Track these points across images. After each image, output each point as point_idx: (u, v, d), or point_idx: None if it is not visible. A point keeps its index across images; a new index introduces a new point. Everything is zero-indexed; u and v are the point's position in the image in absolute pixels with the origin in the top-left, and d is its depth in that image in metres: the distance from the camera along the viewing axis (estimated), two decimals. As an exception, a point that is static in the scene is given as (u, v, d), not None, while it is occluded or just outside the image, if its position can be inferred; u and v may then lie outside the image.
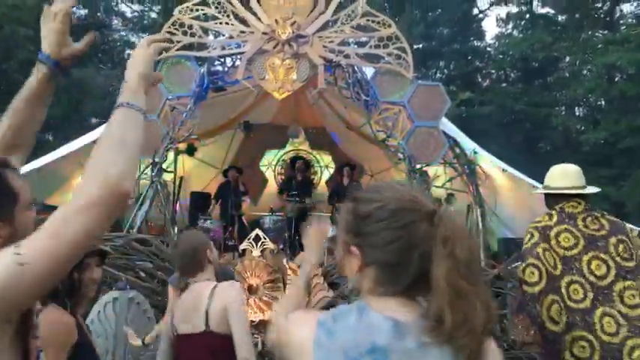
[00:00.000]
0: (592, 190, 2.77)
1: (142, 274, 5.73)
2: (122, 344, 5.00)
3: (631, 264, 2.54)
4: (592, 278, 2.51)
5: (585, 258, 2.54)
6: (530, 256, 2.58)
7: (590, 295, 2.48)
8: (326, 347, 1.06)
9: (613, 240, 2.58)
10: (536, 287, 2.51)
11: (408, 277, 1.09)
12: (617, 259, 2.53)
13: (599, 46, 17.27)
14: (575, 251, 2.57)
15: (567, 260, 2.56)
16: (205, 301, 2.42)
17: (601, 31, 19.31)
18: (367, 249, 1.13)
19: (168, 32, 7.31)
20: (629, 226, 2.81)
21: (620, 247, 2.55)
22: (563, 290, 2.50)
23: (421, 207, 1.12)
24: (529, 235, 2.66)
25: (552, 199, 2.78)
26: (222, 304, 2.41)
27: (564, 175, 2.79)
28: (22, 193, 1.18)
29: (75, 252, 1.08)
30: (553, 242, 2.58)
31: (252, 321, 5.19)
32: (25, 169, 7.81)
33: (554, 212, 2.69)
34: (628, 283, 2.49)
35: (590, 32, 19.05)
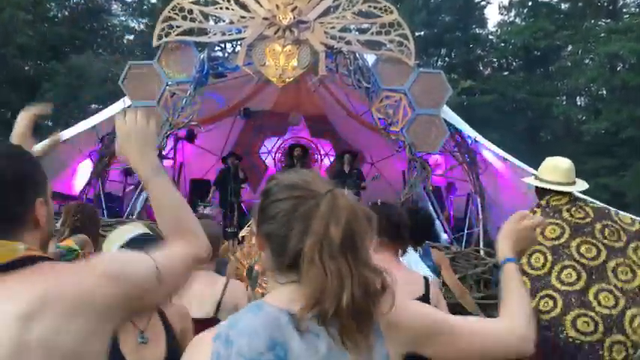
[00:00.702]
0: (579, 187, 2.81)
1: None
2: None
3: (620, 244, 2.59)
4: (583, 260, 2.54)
5: (573, 244, 2.58)
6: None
7: (584, 275, 2.51)
8: (224, 358, 1.03)
9: (598, 226, 2.62)
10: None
11: (290, 252, 1.09)
12: (605, 241, 2.58)
13: (602, 35, 17.18)
14: (562, 240, 2.59)
15: (556, 249, 2.58)
16: (219, 292, 2.55)
17: (604, 20, 19.20)
18: (262, 224, 1.15)
19: (168, 17, 7.25)
20: (621, 213, 2.86)
21: (606, 231, 2.60)
22: (554, 280, 2.52)
23: (312, 186, 1.13)
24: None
25: (541, 189, 2.85)
26: (234, 301, 2.54)
27: (554, 169, 2.82)
28: (48, 180, 1.24)
29: (174, 287, 1.29)
30: (539, 238, 2.59)
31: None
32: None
33: (537, 209, 2.72)
34: (620, 260, 2.54)
35: (592, 21, 18.94)
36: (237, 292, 2.64)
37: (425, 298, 2.25)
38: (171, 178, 8.12)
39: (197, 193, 9.17)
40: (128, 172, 8.36)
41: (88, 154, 8.05)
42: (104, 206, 7.90)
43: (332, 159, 11.22)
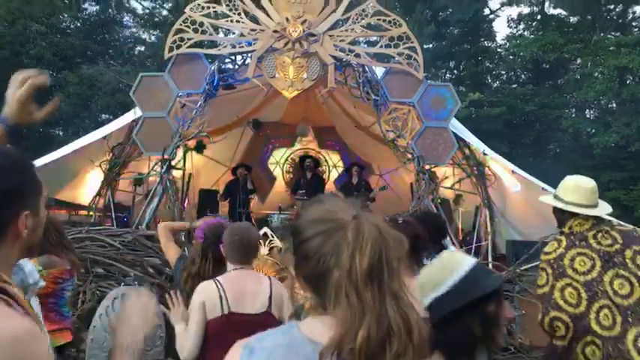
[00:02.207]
0: (604, 210, 2.63)
1: (150, 270, 5.76)
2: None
3: None
4: (618, 300, 2.41)
5: (606, 279, 2.44)
6: (550, 308, 2.48)
7: (619, 319, 2.39)
8: None
9: (628, 253, 2.47)
10: (565, 340, 2.46)
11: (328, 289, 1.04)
12: (639, 272, 2.43)
13: (611, 48, 17.13)
14: (594, 274, 2.46)
15: (589, 285, 2.45)
16: (267, 288, 2.77)
17: (613, 33, 19.16)
18: (298, 267, 1.13)
19: (180, 29, 7.34)
20: None
21: (638, 259, 2.45)
22: (593, 323, 2.41)
23: (338, 215, 1.08)
24: (543, 275, 2.56)
25: (560, 210, 2.68)
26: (280, 293, 2.81)
27: (576, 190, 2.63)
28: (43, 186, 1.20)
29: None
30: (570, 272, 2.48)
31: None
32: (35, 164, 7.88)
33: (562, 238, 2.58)
34: None
35: (601, 34, 18.90)
36: (280, 286, 2.88)
37: None
38: (180, 189, 8.19)
39: (206, 203, 9.21)
40: (138, 182, 8.42)
41: (99, 164, 8.12)
42: (113, 216, 7.96)
43: (340, 170, 11.24)
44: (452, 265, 1.62)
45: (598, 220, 2.60)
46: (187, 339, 2.66)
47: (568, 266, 2.50)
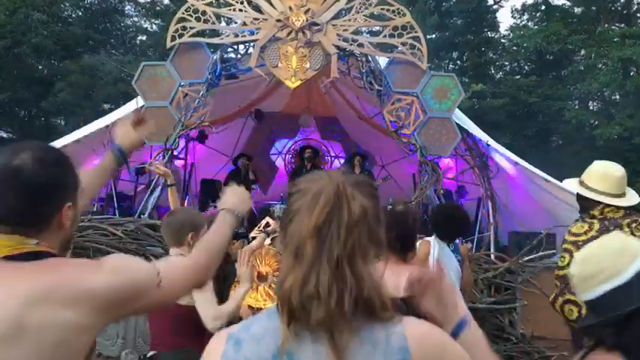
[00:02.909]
0: (633, 199, 2.53)
1: (152, 259, 5.76)
2: (133, 328, 5.04)
3: None
4: None
5: None
6: (567, 290, 2.38)
7: None
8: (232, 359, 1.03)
9: None
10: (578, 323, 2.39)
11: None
12: None
13: (615, 39, 17.03)
14: None
15: None
16: None
17: (617, 25, 19.04)
18: (281, 237, 1.17)
19: (182, 18, 7.29)
20: None
21: None
22: None
23: (311, 184, 1.13)
24: (567, 256, 2.44)
25: (584, 198, 2.58)
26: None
27: (605, 177, 2.52)
28: (81, 182, 1.30)
29: (170, 296, 1.35)
30: None
31: (259, 308, 5.21)
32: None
33: (594, 221, 2.46)
34: None
35: (606, 25, 18.78)
36: None
37: None
38: (182, 178, 8.19)
39: (207, 193, 9.21)
40: (140, 171, 8.42)
41: (101, 153, 8.11)
42: (116, 205, 7.96)
43: (342, 161, 11.22)
44: (630, 250, 1.37)
45: (629, 208, 2.50)
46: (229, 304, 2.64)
47: None
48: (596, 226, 2.48)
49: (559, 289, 2.45)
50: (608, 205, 2.49)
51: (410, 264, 2.35)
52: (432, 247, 3.84)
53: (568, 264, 2.47)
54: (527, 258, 5.99)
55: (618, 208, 2.49)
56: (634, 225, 2.46)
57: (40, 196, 1.16)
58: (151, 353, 2.61)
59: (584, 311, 2.38)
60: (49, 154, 1.22)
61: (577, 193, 2.64)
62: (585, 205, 2.60)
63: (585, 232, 2.49)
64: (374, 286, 1.04)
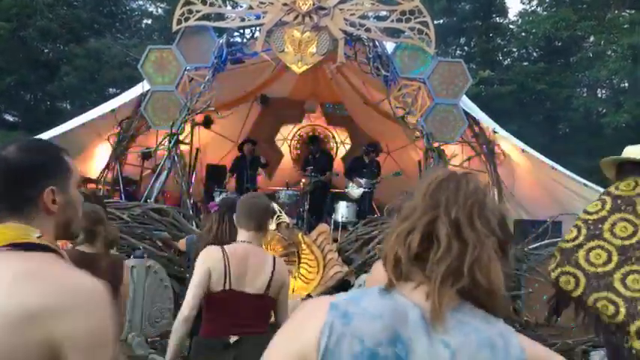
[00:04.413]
0: None
1: (159, 244, 5.79)
2: (139, 311, 5.08)
3: None
4: None
5: None
6: (567, 262, 2.40)
7: None
8: (338, 333, 0.93)
9: None
10: (574, 293, 2.38)
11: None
12: None
13: (625, 26, 16.79)
14: (633, 240, 2.34)
15: (625, 250, 2.34)
16: (270, 269, 2.71)
17: (628, 11, 18.75)
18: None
19: (188, 1, 7.24)
20: None
21: None
22: (617, 282, 2.31)
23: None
24: (574, 231, 2.45)
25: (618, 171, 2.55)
26: (282, 276, 2.75)
27: (633, 150, 2.52)
28: (74, 170, 1.35)
29: None
30: (607, 235, 2.37)
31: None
32: (43, 137, 7.90)
33: (608, 199, 2.44)
34: None
35: (616, 11, 18.51)
36: (283, 269, 2.80)
37: None
38: (188, 163, 8.20)
39: (213, 178, 9.22)
40: (146, 155, 8.43)
41: (107, 137, 8.12)
42: (122, 190, 7.98)
43: (347, 147, 11.19)
44: None
45: None
46: (187, 295, 2.63)
47: (607, 230, 2.39)
48: (609, 205, 2.43)
49: (560, 260, 2.43)
50: (627, 179, 2.43)
51: None
52: None
53: (574, 239, 2.45)
54: (532, 246, 5.98)
55: (636, 183, 2.42)
56: (617, 227, 2.39)
57: (21, 180, 1.23)
58: (234, 338, 2.60)
59: (582, 282, 2.36)
60: (34, 144, 1.32)
61: (616, 172, 2.57)
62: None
63: (597, 212, 2.45)
64: (496, 273, 0.97)
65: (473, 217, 0.98)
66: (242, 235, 2.75)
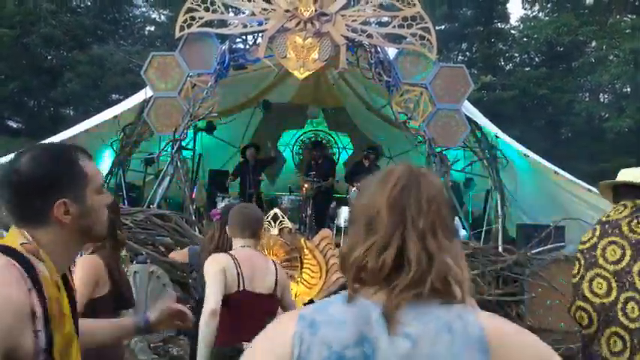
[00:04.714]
0: None
1: (162, 249, 5.80)
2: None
3: None
4: None
5: (635, 269, 2.34)
6: (577, 298, 2.47)
7: None
8: (307, 342, 0.97)
9: None
10: (591, 329, 2.42)
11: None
12: None
13: (627, 30, 16.82)
14: (623, 264, 2.38)
15: (620, 275, 2.38)
16: (274, 270, 2.85)
17: (629, 16, 18.78)
18: None
19: (191, 8, 7.28)
20: None
21: None
22: (620, 313, 2.34)
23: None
24: (577, 264, 2.52)
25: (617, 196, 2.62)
26: (284, 277, 2.92)
27: (628, 173, 2.59)
28: (93, 176, 1.32)
29: None
30: (601, 261, 2.42)
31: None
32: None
33: (598, 226, 2.51)
34: None
35: (617, 16, 18.53)
36: (283, 271, 2.97)
37: None
38: (190, 169, 8.22)
39: (216, 183, 9.24)
40: (149, 161, 8.46)
41: (110, 143, 8.15)
42: (125, 195, 8.01)
43: (350, 152, 11.20)
44: None
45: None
46: (209, 291, 2.63)
47: (600, 256, 2.44)
48: (598, 231, 2.50)
49: (572, 297, 2.51)
50: (618, 205, 2.50)
51: None
52: None
53: (577, 273, 2.51)
54: (535, 251, 5.97)
55: (625, 207, 2.47)
56: (634, 222, 2.40)
57: (31, 193, 1.23)
58: (247, 345, 2.64)
59: (594, 317, 2.39)
60: (46, 152, 1.29)
61: (613, 195, 2.65)
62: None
63: (589, 240, 2.53)
64: (453, 265, 1.02)
65: (435, 227, 1.02)
66: (239, 242, 2.84)
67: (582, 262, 2.51)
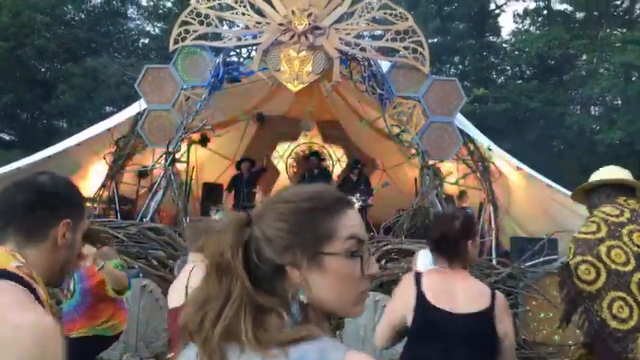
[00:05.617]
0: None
1: (155, 263, 5.77)
2: (134, 332, 5.04)
3: None
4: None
5: (635, 278, 2.26)
6: (588, 254, 2.31)
7: (636, 313, 2.21)
8: None
9: (628, 228, 2.33)
10: (593, 286, 2.28)
11: None
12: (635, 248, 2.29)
13: (617, 44, 17.03)
14: (626, 269, 2.29)
15: (617, 274, 2.28)
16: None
17: (619, 30, 19.04)
18: None
19: (185, 21, 7.32)
20: None
21: (635, 236, 2.32)
22: (634, 287, 2.22)
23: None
24: (594, 226, 2.38)
25: (592, 196, 2.58)
26: None
27: (611, 171, 2.61)
28: (86, 218, 1.42)
29: None
30: (626, 239, 2.32)
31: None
32: (39, 155, 7.90)
33: (601, 223, 2.40)
34: None
35: (608, 30, 18.79)
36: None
37: (490, 310, 2.14)
38: (184, 182, 8.19)
39: (210, 196, 9.21)
40: (142, 174, 8.43)
41: (103, 156, 8.13)
42: (117, 208, 7.96)
43: (344, 165, 11.22)
44: None
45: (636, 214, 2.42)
46: None
47: (626, 234, 2.33)
48: (627, 214, 2.40)
49: (578, 249, 2.33)
50: (614, 209, 2.43)
51: (455, 269, 2.25)
52: (421, 255, 3.85)
53: (595, 232, 2.38)
54: (528, 263, 5.98)
55: (622, 213, 2.40)
56: (635, 235, 2.32)
57: (48, 204, 1.29)
58: None
59: (602, 274, 2.26)
60: (63, 179, 1.41)
61: (588, 194, 2.63)
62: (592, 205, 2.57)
63: (593, 233, 2.39)
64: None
65: None
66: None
67: (604, 228, 2.36)
